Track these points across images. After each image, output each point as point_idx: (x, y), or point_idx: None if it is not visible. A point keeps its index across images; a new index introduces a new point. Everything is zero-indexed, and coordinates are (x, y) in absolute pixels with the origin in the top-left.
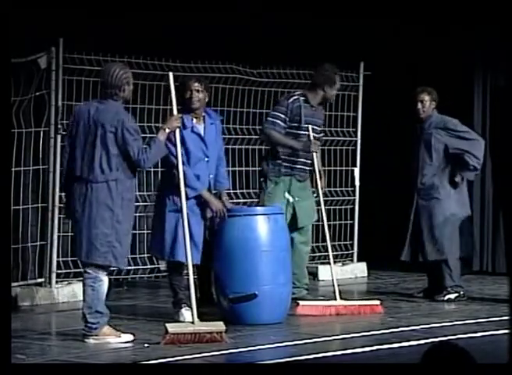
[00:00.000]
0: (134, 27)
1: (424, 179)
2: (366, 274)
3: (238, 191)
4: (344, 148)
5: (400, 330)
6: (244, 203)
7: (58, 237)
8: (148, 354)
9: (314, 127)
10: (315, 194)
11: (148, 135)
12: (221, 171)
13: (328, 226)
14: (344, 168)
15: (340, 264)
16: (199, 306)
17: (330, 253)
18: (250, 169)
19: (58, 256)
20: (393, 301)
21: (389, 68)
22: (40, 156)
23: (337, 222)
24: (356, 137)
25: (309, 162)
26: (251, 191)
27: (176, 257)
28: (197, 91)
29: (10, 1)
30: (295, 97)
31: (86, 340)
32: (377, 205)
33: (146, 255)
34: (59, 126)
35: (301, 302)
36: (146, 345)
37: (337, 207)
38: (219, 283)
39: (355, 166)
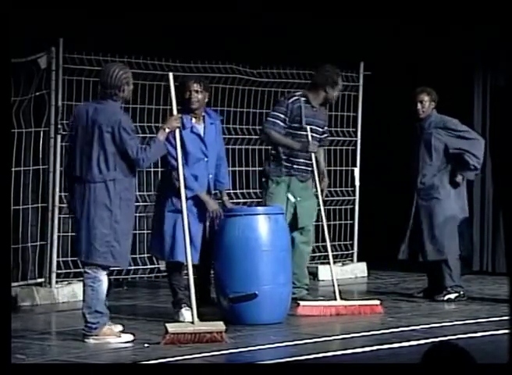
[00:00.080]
0: (134, 27)
1: (424, 179)
2: (366, 274)
3: (238, 191)
4: (344, 148)
5: (399, 330)
6: (244, 203)
7: (58, 237)
8: (148, 354)
9: (316, 128)
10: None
11: (148, 135)
12: (221, 171)
13: (329, 226)
14: (344, 168)
15: (340, 264)
16: (198, 306)
17: (330, 253)
18: (251, 169)
19: (58, 256)
20: (393, 301)
21: (389, 68)
22: (40, 156)
23: (337, 222)
24: (356, 137)
25: (311, 162)
26: (251, 191)
27: (175, 257)
28: (196, 91)
29: (10, 1)
30: (296, 97)
31: (86, 340)
32: (377, 205)
33: (146, 255)
34: (59, 126)
35: (302, 303)
36: (146, 345)
37: (337, 207)
38: (219, 283)
39: (355, 166)
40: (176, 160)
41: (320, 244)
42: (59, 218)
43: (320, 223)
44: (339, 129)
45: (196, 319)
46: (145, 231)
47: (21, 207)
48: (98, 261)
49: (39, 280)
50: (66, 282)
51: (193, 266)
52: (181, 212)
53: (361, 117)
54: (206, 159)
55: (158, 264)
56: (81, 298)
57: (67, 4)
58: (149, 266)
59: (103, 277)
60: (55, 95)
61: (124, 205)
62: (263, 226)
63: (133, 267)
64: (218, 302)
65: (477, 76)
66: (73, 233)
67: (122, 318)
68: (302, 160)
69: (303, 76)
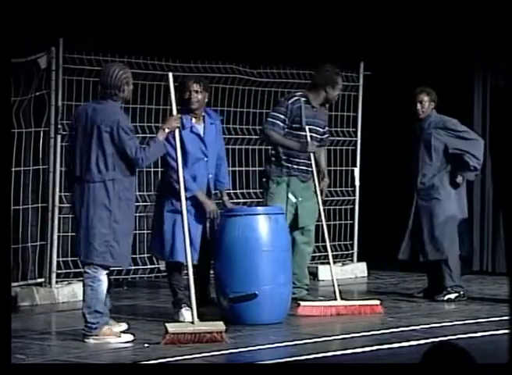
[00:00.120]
0: (134, 27)
1: (424, 179)
2: (366, 274)
3: (238, 191)
4: (344, 148)
5: (400, 330)
6: (244, 203)
7: (58, 237)
8: (148, 354)
9: (317, 128)
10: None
11: (148, 135)
12: (222, 171)
13: (329, 226)
14: (344, 168)
15: (340, 264)
16: (198, 306)
17: (330, 253)
18: (251, 169)
19: (58, 256)
20: (393, 301)
21: (389, 68)
22: (40, 156)
23: (337, 222)
24: (356, 137)
25: (311, 162)
26: (251, 191)
27: (175, 257)
28: (196, 91)
29: (10, 1)
30: (296, 97)
31: (86, 340)
32: (377, 205)
33: (146, 255)
34: (59, 126)
35: (302, 303)
36: (146, 345)
37: (337, 207)
38: (219, 283)
39: (355, 166)
40: (176, 161)
41: (320, 244)
42: (59, 218)
43: (319, 223)
44: (339, 129)
45: (196, 319)
46: (145, 231)
47: (21, 207)
48: (97, 260)
49: (39, 280)
50: (66, 282)
51: (193, 266)
52: (181, 212)
53: (361, 117)
54: (206, 159)
55: (158, 264)
56: (81, 298)
57: (67, 4)
58: (149, 266)
59: (103, 277)
60: (55, 95)
61: (124, 204)
62: (263, 226)
63: (133, 267)
64: (218, 302)
65: (477, 76)
66: (74, 233)
67: (122, 318)
68: (303, 160)
69: (303, 76)
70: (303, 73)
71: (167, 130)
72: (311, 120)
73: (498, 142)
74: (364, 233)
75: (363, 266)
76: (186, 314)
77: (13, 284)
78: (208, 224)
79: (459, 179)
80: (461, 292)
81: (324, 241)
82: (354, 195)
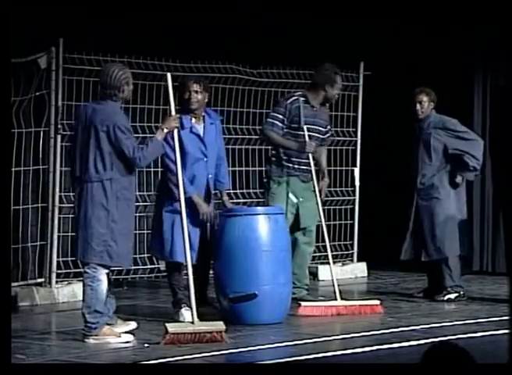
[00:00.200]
0: (134, 27)
1: (423, 179)
2: (366, 274)
3: (238, 191)
4: (344, 148)
5: (400, 330)
6: (244, 203)
7: (58, 237)
8: (148, 354)
9: (318, 128)
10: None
11: (148, 135)
12: (222, 171)
13: (329, 226)
14: (344, 168)
15: (340, 264)
16: (197, 306)
17: (329, 253)
18: (250, 169)
19: (58, 256)
20: (393, 301)
21: (389, 68)
22: (40, 156)
23: (337, 222)
24: (356, 137)
25: (313, 162)
26: (251, 191)
27: (174, 257)
28: (196, 91)
29: (10, 1)
30: (294, 97)
31: (86, 340)
32: (377, 205)
33: (146, 255)
34: (59, 126)
35: (303, 303)
36: (146, 345)
37: (337, 207)
38: (219, 283)
39: (355, 166)
40: (174, 164)
41: (320, 244)
42: (59, 218)
43: (318, 223)
44: (339, 129)
45: (196, 319)
46: (145, 231)
47: (21, 207)
48: (94, 260)
49: (39, 280)
50: (66, 282)
51: (192, 266)
52: (180, 213)
53: (361, 117)
54: (205, 159)
55: (158, 264)
56: (81, 298)
57: (67, 4)
58: (149, 266)
59: (102, 277)
60: (55, 95)
61: (123, 204)
62: (263, 226)
63: (133, 267)
64: (218, 302)
65: (477, 76)
66: (74, 233)
67: (122, 318)
68: (303, 160)
69: (303, 76)
70: (303, 73)
71: (165, 130)
72: (311, 120)
73: (498, 142)
74: (364, 233)
75: (363, 266)
76: (186, 314)
77: (13, 284)
78: (208, 225)
79: (458, 179)
80: (461, 292)
81: (324, 240)
82: (354, 195)
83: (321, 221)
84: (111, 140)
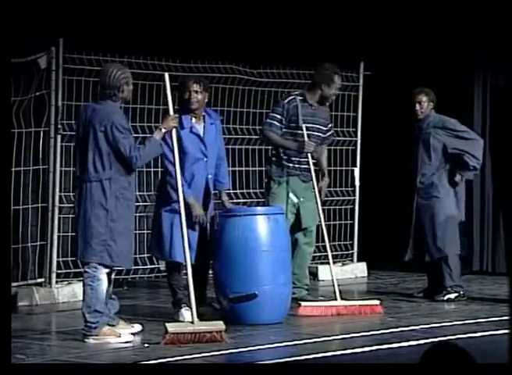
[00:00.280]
0: (134, 27)
1: (423, 178)
2: (366, 274)
3: (238, 191)
4: (344, 148)
5: (399, 330)
6: (244, 203)
7: (58, 237)
8: (148, 354)
9: (319, 127)
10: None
11: (148, 135)
12: (221, 171)
13: (329, 226)
14: (344, 168)
15: (340, 264)
16: (197, 306)
17: (329, 253)
18: (250, 169)
19: (58, 256)
20: (393, 301)
21: (389, 68)
22: (40, 156)
23: (337, 222)
24: (356, 137)
25: (313, 161)
26: (251, 191)
27: (173, 257)
28: (196, 91)
29: (10, 1)
30: (291, 97)
31: (86, 340)
32: (377, 205)
33: (146, 255)
34: (59, 126)
35: (303, 303)
36: (146, 345)
37: (337, 207)
38: (219, 283)
39: (355, 166)
40: (172, 164)
41: (320, 244)
42: (59, 218)
43: (318, 223)
44: (339, 129)
45: (196, 318)
46: (145, 231)
47: (21, 207)
48: (94, 259)
49: (39, 280)
50: (66, 282)
51: (192, 266)
52: (179, 213)
53: (361, 117)
54: (205, 159)
55: (158, 264)
56: (81, 298)
57: (67, 4)
58: (149, 266)
59: (102, 277)
60: (55, 95)
61: (122, 204)
62: (263, 226)
63: (133, 267)
64: (217, 302)
65: (477, 76)
66: (73, 233)
67: (122, 318)
68: (304, 160)
69: (303, 76)
70: (303, 73)
71: (163, 130)
72: (309, 119)
73: (498, 142)
74: (364, 233)
75: (363, 266)
76: (185, 314)
77: (13, 284)
78: (208, 225)
79: (457, 178)
80: (461, 292)
81: (324, 240)
82: (354, 195)
83: (320, 221)
84: (108, 139)
